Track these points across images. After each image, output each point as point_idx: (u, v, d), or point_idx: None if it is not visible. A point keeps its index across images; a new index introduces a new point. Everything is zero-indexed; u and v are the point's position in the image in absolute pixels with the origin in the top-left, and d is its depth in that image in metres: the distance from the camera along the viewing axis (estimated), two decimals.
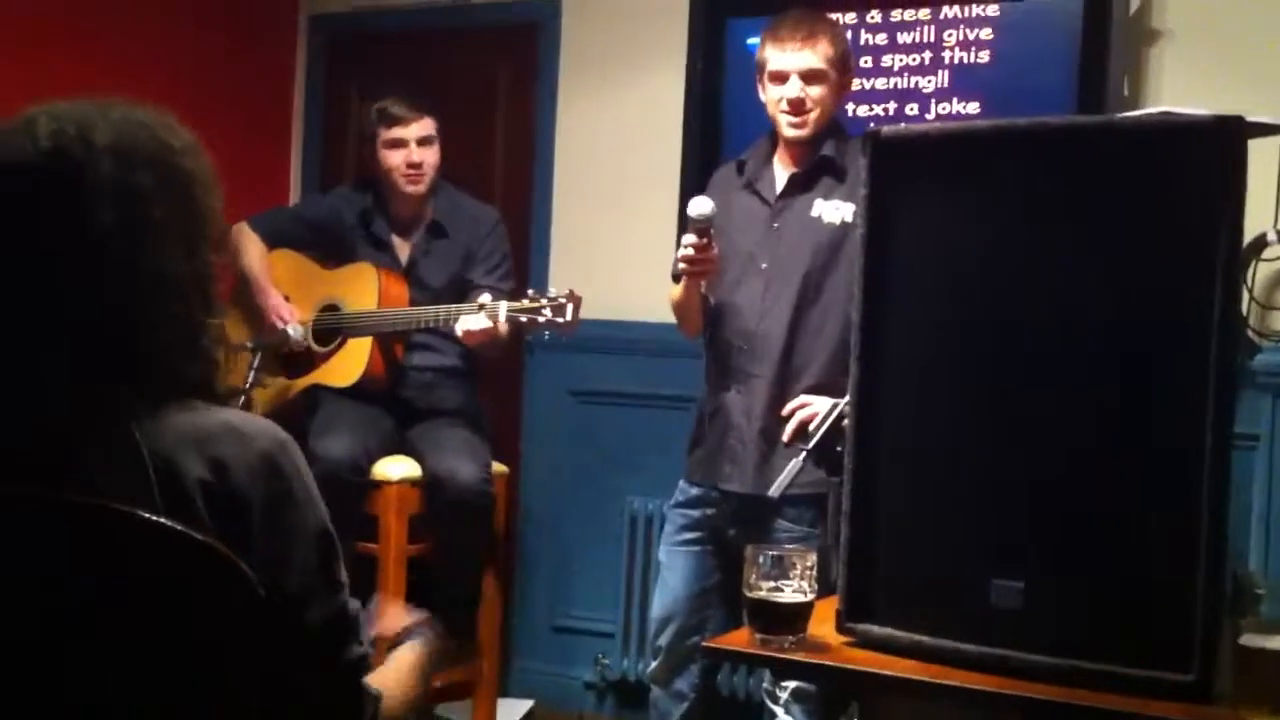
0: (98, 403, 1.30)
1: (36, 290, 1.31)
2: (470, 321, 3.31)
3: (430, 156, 3.67)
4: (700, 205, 2.81)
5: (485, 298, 3.33)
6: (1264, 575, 2.62)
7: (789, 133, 2.90)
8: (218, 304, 1.42)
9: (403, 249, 3.75)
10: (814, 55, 2.86)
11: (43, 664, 1.25)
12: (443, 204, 3.75)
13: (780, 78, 2.89)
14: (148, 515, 1.23)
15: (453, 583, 3.61)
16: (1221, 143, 1.59)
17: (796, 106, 2.87)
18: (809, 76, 2.86)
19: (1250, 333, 2.99)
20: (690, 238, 2.82)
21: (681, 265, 2.86)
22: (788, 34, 2.88)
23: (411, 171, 3.64)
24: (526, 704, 4.05)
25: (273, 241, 3.76)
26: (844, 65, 2.92)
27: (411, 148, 3.63)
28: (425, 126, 3.66)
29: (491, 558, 3.71)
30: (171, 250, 1.35)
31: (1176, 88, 3.34)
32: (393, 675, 1.55)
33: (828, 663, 1.75)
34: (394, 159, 3.64)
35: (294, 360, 3.70)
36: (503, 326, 3.32)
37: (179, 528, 1.24)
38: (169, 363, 1.35)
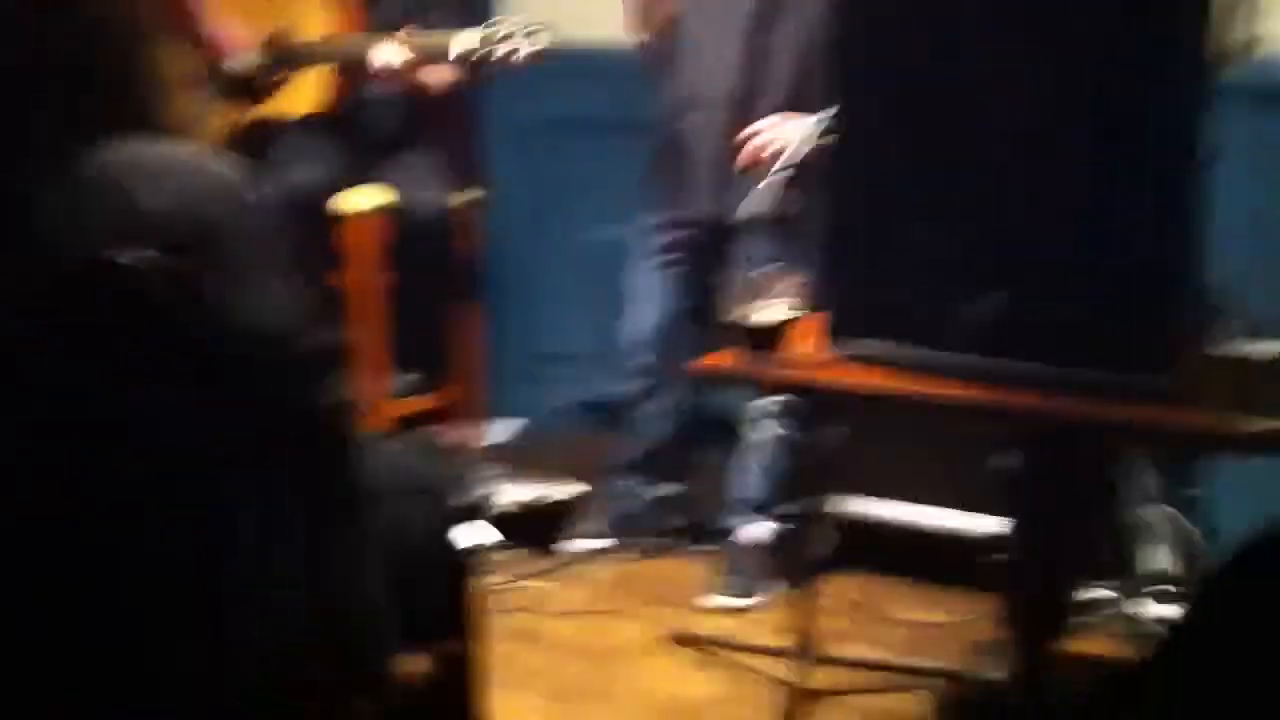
0: (52, 135, 1.26)
1: None
2: (387, 54, 3.21)
3: None
4: None
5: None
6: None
7: None
8: (167, 34, 1.36)
9: None
10: None
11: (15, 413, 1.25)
12: None
13: None
14: (111, 253, 1.20)
15: (418, 309, 3.63)
16: None
17: None
18: None
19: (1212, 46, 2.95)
20: None
21: None
22: None
23: None
24: (518, 423, 4.11)
25: None
26: None
27: None
28: None
29: (464, 285, 3.73)
30: None
31: None
32: None
33: (812, 377, 1.80)
34: None
35: (245, 91, 3.59)
36: (438, 74, 3.22)
37: (144, 264, 1.21)
38: (124, 88, 1.31)
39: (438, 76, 3.43)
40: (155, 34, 1.35)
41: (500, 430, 4.03)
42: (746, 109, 2.83)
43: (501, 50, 3.09)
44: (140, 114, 1.32)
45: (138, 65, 1.33)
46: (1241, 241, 2.82)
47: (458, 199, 3.55)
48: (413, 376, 3.66)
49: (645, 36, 2.99)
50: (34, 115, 1.26)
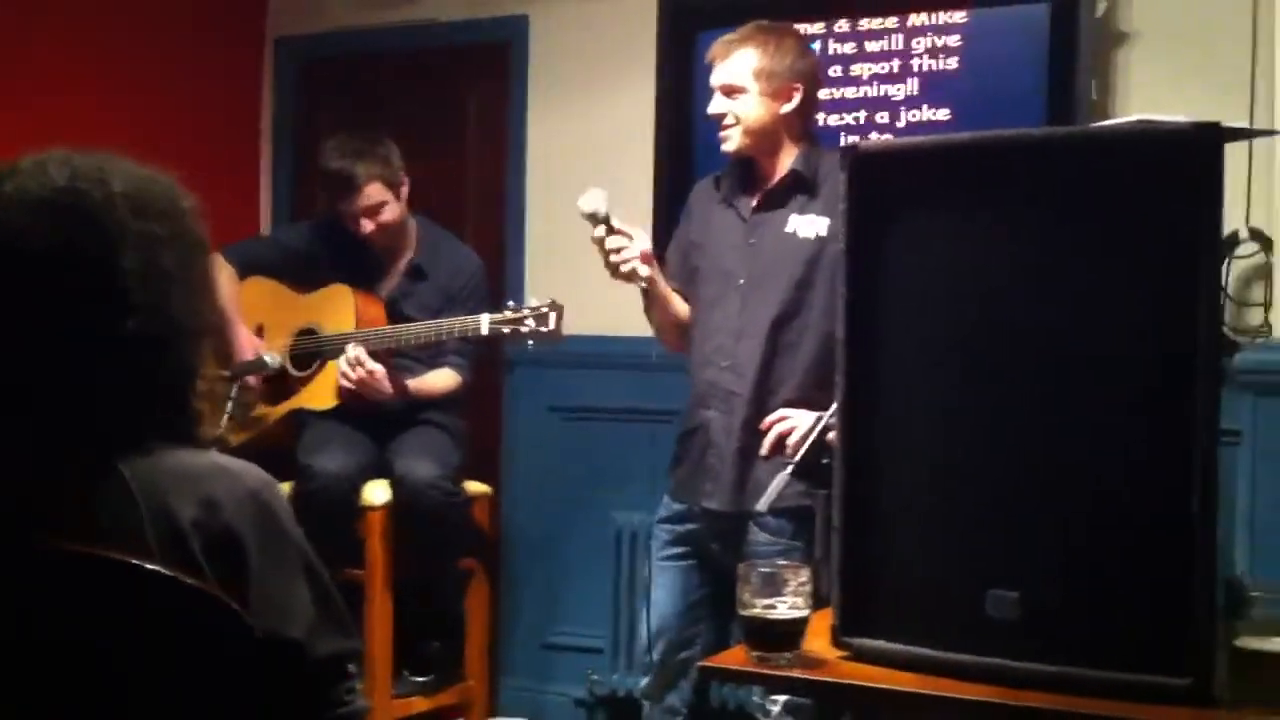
0: (90, 446, 1.29)
1: (40, 328, 1.29)
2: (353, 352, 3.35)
3: (387, 215, 3.58)
4: (584, 202, 2.82)
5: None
6: (1250, 574, 2.64)
7: (722, 147, 2.92)
8: (207, 357, 1.41)
9: (384, 281, 3.72)
10: (729, 68, 2.87)
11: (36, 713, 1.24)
12: (424, 244, 3.72)
13: (712, 93, 2.91)
14: (140, 562, 1.22)
15: (424, 593, 3.60)
16: (1199, 151, 1.61)
17: (718, 121, 2.89)
18: (728, 90, 2.88)
19: (1227, 331, 3.01)
20: (597, 232, 2.82)
21: (609, 271, 2.85)
22: (713, 49, 2.92)
23: (367, 233, 3.59)
24: None
25: (245, 270, 3.73)
26: (772, 76, 2.85)
27: (361, 222, 3.57)
28: (372, 194, 3.53)
29: (476, 574, 3.71)
30: (175, 301, 1.35)
31: (1145, 89, 3.36)
32: None
33: (825, 679, 1.76)
34: (348, 218, 3.60)
35: (272, 387, 3.68)
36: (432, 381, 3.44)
37: (171, 574, 1.23)
38: (163, 409, 1.35)
39: (426, 384, 3.58)
40: (202, 357, 1.41)
41: None
42: (765, 403, 2.87)
43: (525, 327, 3.20)
44: (178, 428, 1.37)
45: (183, 383, 1.38)
46: (1249, 529, 2.80)
47: (455, 470, 3.56)
48: (417, 678, 3.60)
49: (665, 339, 3.07)
50: (73, 422, 1.30)
